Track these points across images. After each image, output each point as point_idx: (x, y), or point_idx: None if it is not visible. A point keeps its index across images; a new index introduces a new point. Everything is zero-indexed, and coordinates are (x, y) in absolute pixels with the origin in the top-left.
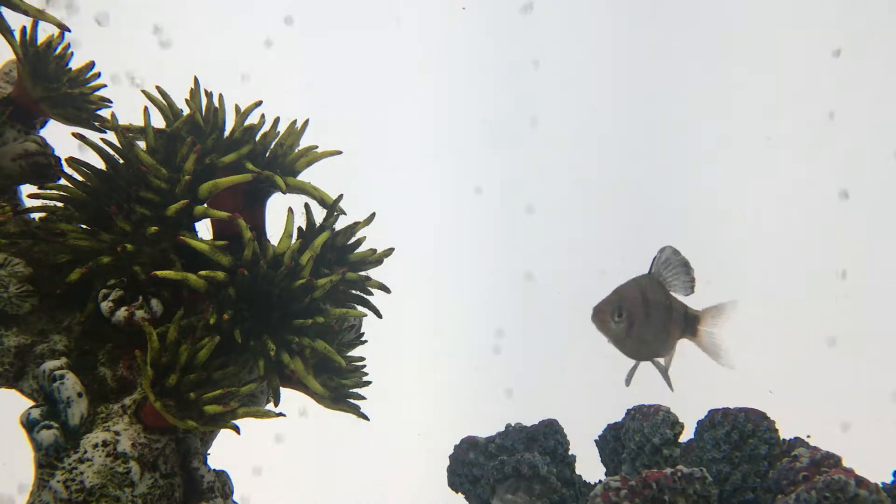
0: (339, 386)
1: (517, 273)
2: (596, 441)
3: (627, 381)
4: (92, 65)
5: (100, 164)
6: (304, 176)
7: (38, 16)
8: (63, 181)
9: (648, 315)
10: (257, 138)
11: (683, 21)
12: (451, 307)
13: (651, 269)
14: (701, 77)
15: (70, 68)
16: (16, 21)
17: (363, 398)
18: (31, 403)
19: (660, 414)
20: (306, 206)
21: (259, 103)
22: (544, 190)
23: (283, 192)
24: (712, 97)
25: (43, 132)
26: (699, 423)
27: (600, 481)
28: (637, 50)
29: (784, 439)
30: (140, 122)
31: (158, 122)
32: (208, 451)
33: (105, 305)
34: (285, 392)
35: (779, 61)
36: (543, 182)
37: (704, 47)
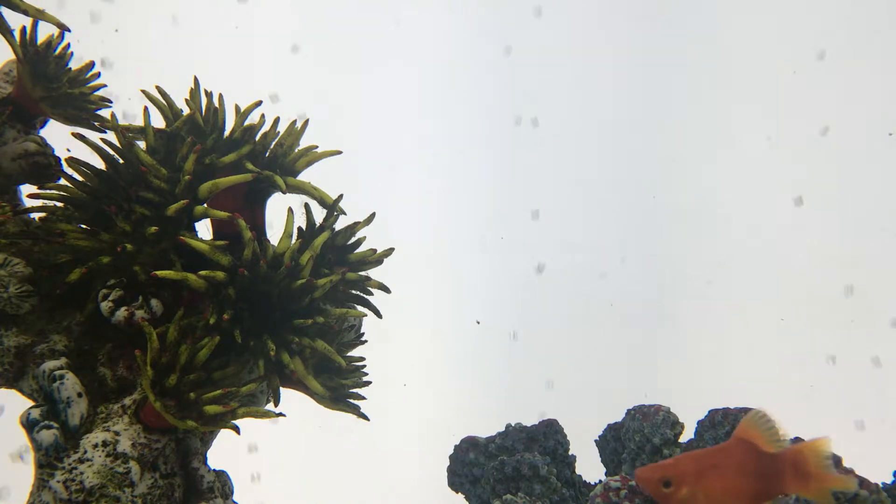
0: (339, 386)
1: (517, 273)
2: (596, 441)
3: None
4: (92, 65)
5: (100, 164)
6: (304, 176)
7: (38, 16)
8: (63, 181)
9: None
10: (257, 138)
11: (683, 22)
12: (451, 307)
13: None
14: (701, 78)
15: (70, 68)
16: (16, 21)
17: (363, 398)
18: (31, 403)
19: (660, 414)
20: (306, 206)
21: (259, 103)
22: (545, 190)
23: (283, 192)
24: (712, 97)
25: (43, 132)
26: (699, 423)
27: (600, 481)
28: (637, 51)
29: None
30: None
31: (158, 121)
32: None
33: (105, 305)
34: (285, 392)
35: (778, 62)
36: (544, 182)
37: (704, 48)
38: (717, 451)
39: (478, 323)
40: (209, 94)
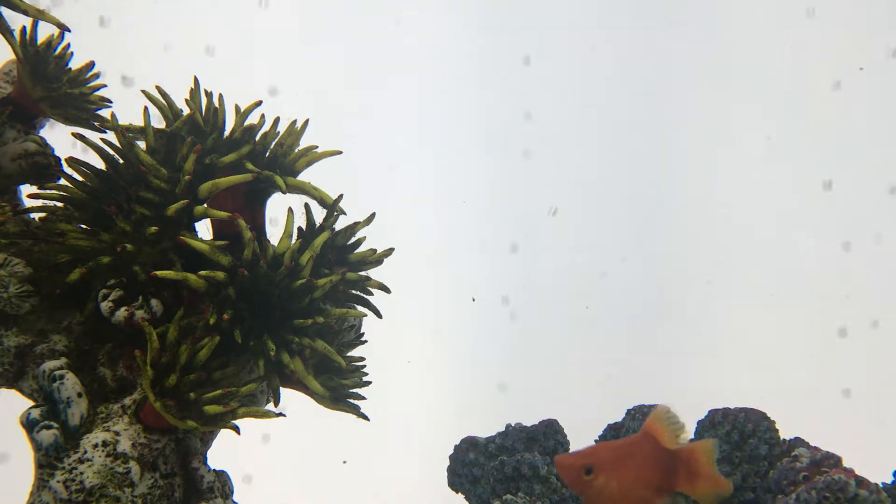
0: (339, 386)
1: (517, 273)
2: (596, 441)
3: None
4: (92, 65)
5: (100, 164)
6: (304, 176)
7: (38, 16)
8: (63, 181)
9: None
10: (257, 138)
11: (683, 21)
12: (451, 307)
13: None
14: (701, 77)
15: (70, 68)
16: (16, 21)
17: (363, 398)
18: (31, 403)
19: None
20: (306, 206)
21: (259, 103)
22: (545, 190)
23: (283, 192)
24: (712, 97)
25: (42, 132)
26: (699, 423)
27: None
28: (636, 50)
29: (784, 439)
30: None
31: (158, 122)
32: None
33: (105, 305)
34: (285, 392)
35: (778, 63)
36: (544, 182)
37: (703, 47)
38: (629, 442)
39: (473, 300)
40: (209, 94)
